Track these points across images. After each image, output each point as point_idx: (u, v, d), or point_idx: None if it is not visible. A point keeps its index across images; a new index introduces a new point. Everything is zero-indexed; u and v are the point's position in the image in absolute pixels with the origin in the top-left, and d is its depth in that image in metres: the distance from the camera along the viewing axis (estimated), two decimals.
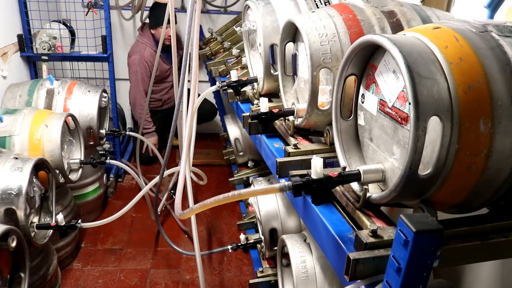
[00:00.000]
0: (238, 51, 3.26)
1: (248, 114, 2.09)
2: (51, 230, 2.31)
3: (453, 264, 1.49)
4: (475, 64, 1.00)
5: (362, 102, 1.32)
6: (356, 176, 1.21)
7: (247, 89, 2.42)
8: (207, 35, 4.72)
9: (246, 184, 3.68)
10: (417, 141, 0.96)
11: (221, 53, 3.78)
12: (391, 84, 1.15)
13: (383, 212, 1.22)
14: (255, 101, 2.28)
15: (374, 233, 1.09)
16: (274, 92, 2.24)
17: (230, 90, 2.37)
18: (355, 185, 1.26)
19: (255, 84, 2.34)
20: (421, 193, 1.06)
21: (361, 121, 1.35)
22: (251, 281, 2.61)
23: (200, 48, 4.29)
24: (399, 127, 1.12)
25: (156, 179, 2.66)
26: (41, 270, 2.47)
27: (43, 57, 3.65)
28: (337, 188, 1.31)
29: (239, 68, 2.94)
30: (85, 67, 4.12)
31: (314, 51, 1.53)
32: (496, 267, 1.71)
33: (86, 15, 3.69)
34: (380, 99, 1.21)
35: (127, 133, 3.61)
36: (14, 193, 2.04)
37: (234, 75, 2.35)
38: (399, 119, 1.12)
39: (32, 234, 2.17)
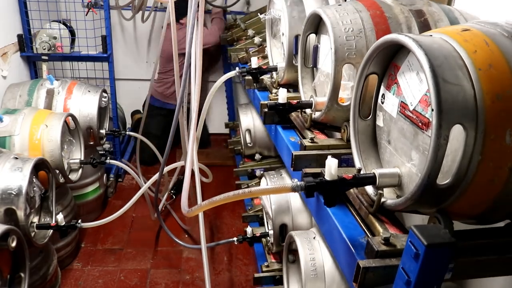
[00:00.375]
0: (260, 40, 3.22)
1: (266, 102, 2.06)
2: (51, 230, 2.29)
3: (467, 277, 1.44)
4: (505, 72, 0.94)
5: (382, 103, 1.27)
6: (371, 180, 1.17)
7: (265, 77, 2.40)
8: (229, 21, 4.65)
9: (250, 176, 3.64)
10: (438, 150, 0.92)
11: (243, 40, 3.73)
12: (413, 87, 1.10)
13: (397, 218, 1.19)
14: (274, 90, 2.25)
15: (386, 241, 1.05)
16: (294, 83, 2.20)
17: (249, 77, 2.34)
18: (369, 189, 1.22)
19: (274, 73, 2.30)
20: (438, 202, 1.02)
21: (379, 122, 1.30)
22: (256, 275, 2.59)
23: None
24: (420, 132, 1.08)
25: (156, 176, 2.58)
26: (41, 270, 2.46)
27: (43, 57, 3.63)
28: (351, 189, 1.27)
29: (260, 57, 2.89)
30: (85, 67, 4.09)
31: (339, 46, 1.49)
32: None
33: (86, 15, 3.65)
34: (401, 101, 1.16)
35: (127, 133, 3.60)
36: (14, 193, 2.02)
37: (254, 62, 2.33)
38: (420, 124, 1.07)
39: (32, 234, 2.16)
